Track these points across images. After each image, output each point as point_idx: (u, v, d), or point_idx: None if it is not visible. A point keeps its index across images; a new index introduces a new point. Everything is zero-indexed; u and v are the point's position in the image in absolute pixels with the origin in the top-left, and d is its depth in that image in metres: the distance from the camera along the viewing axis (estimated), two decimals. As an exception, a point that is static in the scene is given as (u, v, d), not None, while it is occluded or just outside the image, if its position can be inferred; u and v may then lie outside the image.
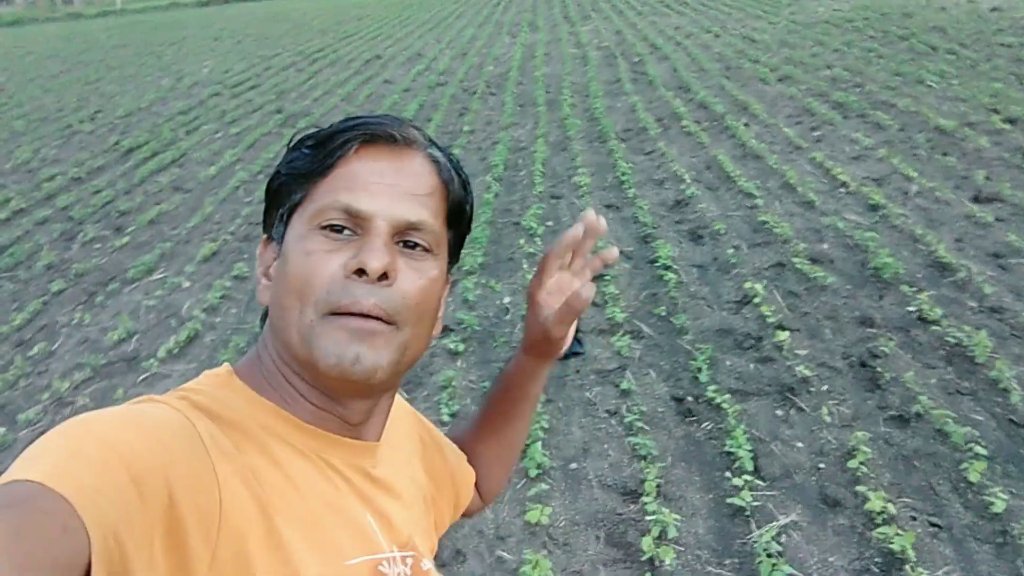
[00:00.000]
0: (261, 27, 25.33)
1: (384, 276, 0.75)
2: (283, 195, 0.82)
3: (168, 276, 5.92)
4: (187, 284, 5.73)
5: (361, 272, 0.74)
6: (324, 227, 0.76)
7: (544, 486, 3.25)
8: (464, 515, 1.19)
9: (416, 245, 0.80)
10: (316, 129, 0.83)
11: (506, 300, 4.99)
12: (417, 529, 0.92)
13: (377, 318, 0.75)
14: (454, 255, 0.89)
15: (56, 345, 5.01)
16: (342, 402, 0.81)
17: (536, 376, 1.11)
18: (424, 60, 14.87)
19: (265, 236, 0.86)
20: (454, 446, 1.15)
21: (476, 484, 1.18)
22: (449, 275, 0.89)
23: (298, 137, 0.84)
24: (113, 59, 19.97)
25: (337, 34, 20.94)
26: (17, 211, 7.90)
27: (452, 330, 4.64)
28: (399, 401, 1.02)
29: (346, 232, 0.77)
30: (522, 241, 5.82)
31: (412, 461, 1.01)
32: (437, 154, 0.84)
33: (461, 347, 4.39)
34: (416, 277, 0.78)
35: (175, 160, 9.38)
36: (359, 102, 11.49)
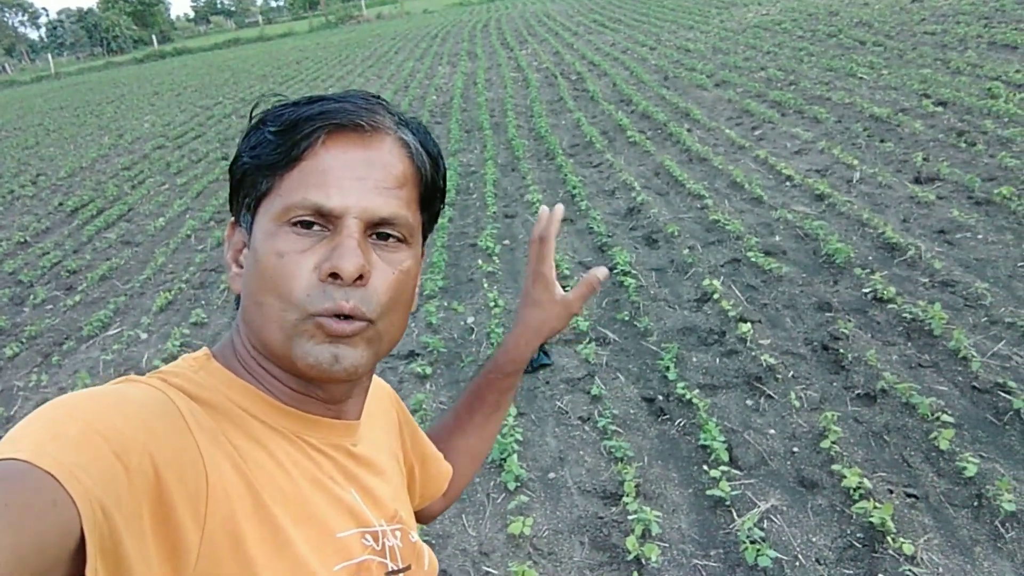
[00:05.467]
0: (199, 78, 25.23)
1: (359, 277, 0.73)
2: (247, 183, 0.79)
3: (124, 330, 5.80)
4: (144, 336, 5.63)
5: (335, 275, 0.73)
6: (294, 223, 0.74)
7: (524, 498, 3.23)
8: (420, 517, 1.16)
9: (389, 236, 0.78)
10: (280, 107, 0.79)
11: (470, 320, 4.97)
12: (401, 503, 0.91)
13: (356, 317, 0.74)
14: (428, 231, 0.88)
15: (14, 410, 4.87)
16: (320, 385, 0.80)
17: (526, 359, 1.16)
18: (367, 96, 14.89)
19: (232, 220, 0.84)
20: (431, 444, 1.14)
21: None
22: (423, 252, 0.87)
23: (260, 115, 0.80)
24: (51, 122, 19.72)
25: (277, 78, 20.92)
26: (-38, 281, 7.70)
27: (419, 355, 4.61)
28: (378, 380, 1.01)
29: (316, 228, 0.74)
30: (480, 262, 5.82)
31: (390, 438, 1.01)
32: (407, 136, 0.81)
33: (428, 370, 4.36)
34: (391, 271, 0.77)
35: (122, 215, 9.25)
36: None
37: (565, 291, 1.14)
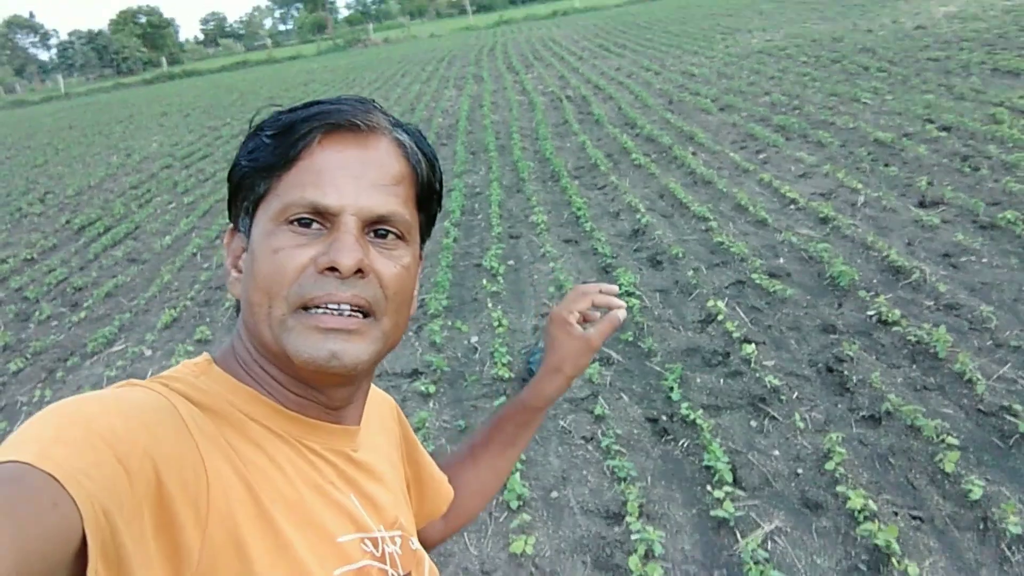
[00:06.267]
0: (208, 99, 25.45)
1: (358, 272, 0.74)
2: (245, 187, 0.79)
3: (129, 346, 5.81)
4: (149, 352, 5.64)
5: (333, 269, 0.73)
6: (291, 222, 0.75)
7: (526, 517, 3.21)
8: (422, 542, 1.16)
9: (387, 233, 0.78)
10: (276, 113, 0.80)
11: (473, 340, 4.97)
12: (401, 510, 0.91)
13: (357, 308, 0.74)
14: (425, 234, 0.88)
15: (17, 425, 4.87)
16: (321, 389, 0.80)
17: (557, 395, 1.17)
18: (373, 118, 15.00)
19: (231, 226, 0.84)
20: (432, 463, 1.14)
21: (448, 507, 1.17)
22: (421, 255, 0.88)
23: (257, 122, 0.81)
24: (60, 141, 19.87)
25: (285, 100, 20.99)
26: (-32, 297, 7.73)
27: (422, 373, 4.61)
28: (380, 393, 1.02)
29: (315, 226, 0.75)
30: (485, 282, 5.83)
31: (391, 447, 1.01)
32: (403, 136, 0.82)
33: (432, 388, 4.36)
34: (390, 266, 0.77)
35: (129, 233, 9.29)
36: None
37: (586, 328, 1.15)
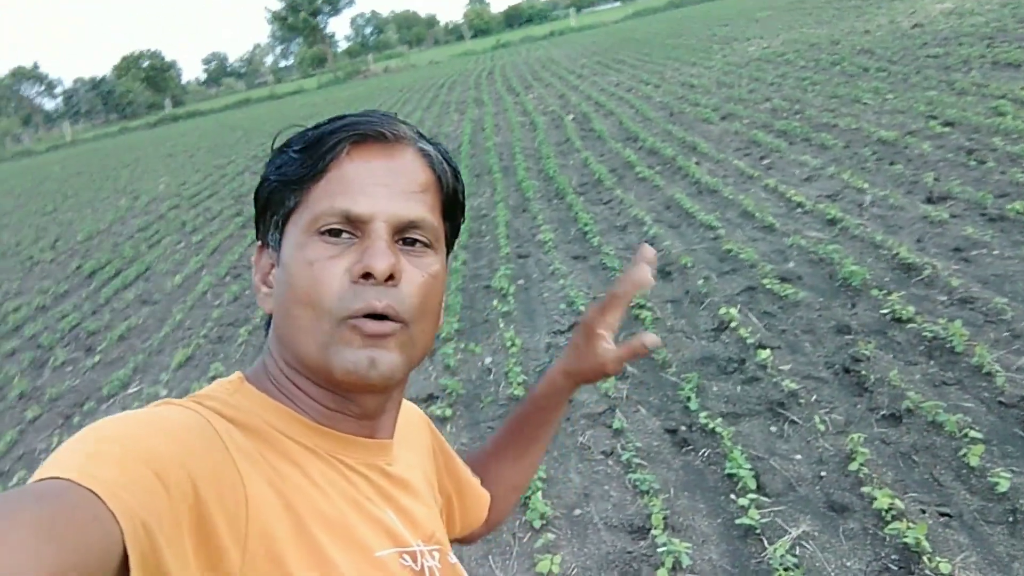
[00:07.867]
0: (212, 139, 25.71)
1: (390, 277, 0.75)
2: (275, 202, 0.81)
3: (144, 387, 5.84)
4: (164, 392, 5.65)
5: (367, 275, 0.74)
6: (323, 232, 0.76)
7: (550, 535, 3.19)
8: (464, 540, 1.17)
9: (416, 242, 0.79)
10: (303, 130, 0.82)
11: (487, 361, 4.97)
12: (437, 525, 0.91)
13: (389, 318, 0.75)
14: (450, 244, 0.89)
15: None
16: (354, 398, 0.80)
17: (569, 395, 1.15)
18: (376, 147, 15.12)
19: (259, 243, 0.85)
20: (468, 470, 1.13)
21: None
22: (447, 265, 0.88)
23: (283, 139, 0.83)
24: (68, 188, 20.10)
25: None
26: (-16, 346, 7.79)
27: (437, 397, 4.60)
28: (410, 405, 1.01)
29: (345, 235, 0.76)
30: (495, 302, 5.83)
31: (424, 461, 1.00)
32: (427, 147, 0.83)
33: (448, 412, 4.35)
34: (419, 274, 0.78)
35: (140, 275, 9.36)
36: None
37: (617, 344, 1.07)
